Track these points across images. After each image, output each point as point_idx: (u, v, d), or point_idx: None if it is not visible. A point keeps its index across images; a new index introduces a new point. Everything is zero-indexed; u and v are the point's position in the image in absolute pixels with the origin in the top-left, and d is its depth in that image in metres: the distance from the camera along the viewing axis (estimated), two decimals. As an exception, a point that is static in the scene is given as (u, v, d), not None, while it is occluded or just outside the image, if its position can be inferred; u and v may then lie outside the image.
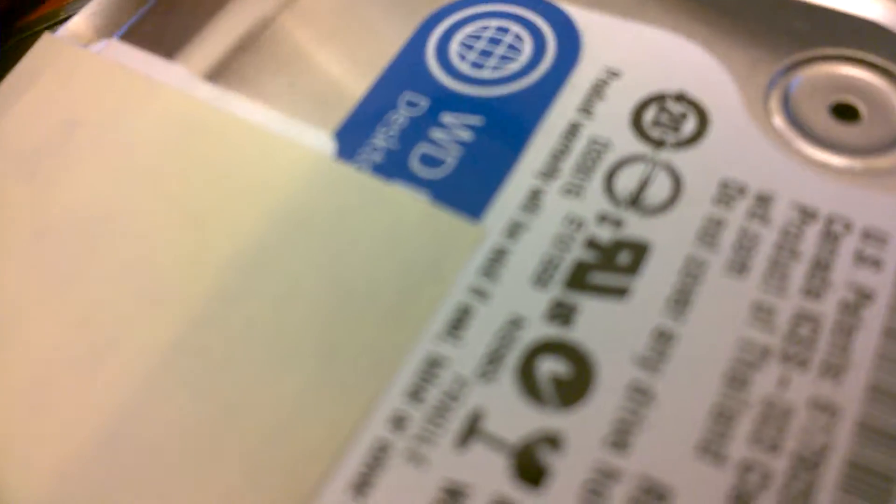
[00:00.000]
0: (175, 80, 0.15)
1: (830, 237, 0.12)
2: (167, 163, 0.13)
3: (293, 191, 0.13)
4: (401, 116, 0.14)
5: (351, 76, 0.15)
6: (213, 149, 0.14)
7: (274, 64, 0.15)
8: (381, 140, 0.14)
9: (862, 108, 0.13)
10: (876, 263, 0.12)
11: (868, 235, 0.12)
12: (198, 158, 0.13)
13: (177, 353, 0.11)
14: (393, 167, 0.13)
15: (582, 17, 0.15)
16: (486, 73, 0.14)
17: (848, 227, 0.12)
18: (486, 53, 0.15)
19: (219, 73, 0.15)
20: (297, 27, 0.15)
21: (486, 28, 0.15)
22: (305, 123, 0.14)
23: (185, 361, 0.11)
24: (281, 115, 0.14)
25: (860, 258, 0.12)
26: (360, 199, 0.13)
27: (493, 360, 0.11)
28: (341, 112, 0.14)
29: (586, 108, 0.14)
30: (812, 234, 0.12)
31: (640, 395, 0.11)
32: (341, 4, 0.16)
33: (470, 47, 0.15)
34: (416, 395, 0.11)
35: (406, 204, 0.13)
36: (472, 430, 0.11)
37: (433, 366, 0.11)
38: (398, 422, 0.11)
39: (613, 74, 0.14)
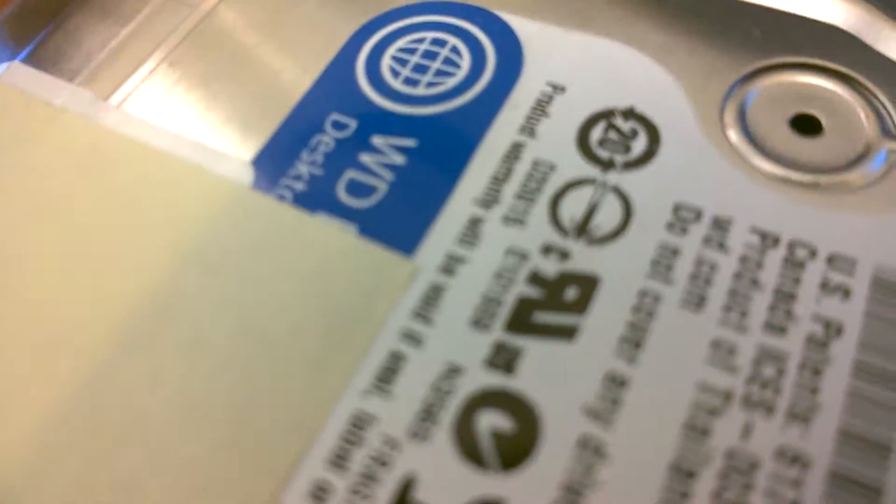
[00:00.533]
0: (79, 104, 0.13)
1: (794, 264, 0.11)
2: (67, 196, 0.12)
3: (205, 225, 0.12)
4: (326, 140, 0.13)
5: (271, 96, 0.13)
6: (117, 180, 0.12)
7: (186, 85, 0.14)
8: (305, 166, 0.12)
9: (824, 119, 0.12)
10: (844, 292, 0.11)
11: (834, 261, 0.11)
12: (100, 191, 0.12)
13: (68, 413, 0.10)
14: (317, 196, 0.12)
15: (523, 28, 0.14)
16: (420, 90, 0.13)
17: (812, 252, 0.11)
18: (420, 68, 0.13)
19: (127, 96, 0.13)
20: (212, 44, 0.14)
21: (420, 41, 0.14)
22: (220, 149, 0.13)
23: (77, 423, 0.10)
24: (193, 140, 0.13)
25: (826, 287, 0.11)
26: (279, 233, 0.11)
27: (427, 416, 0.10)
28: (260, 136, 0.13)
29: (529, 127, 0.12)
30: (774, 261, 0.11)
31: (591, 453, 0.10)
32: (262, 19, 0.14)
33: (403, 62, 0.14)
34: (339, 461, 0.10)
35: (331, 237, 0.11)
36: (402, 501, 0.09)
37: (359, 425, 0.10)
38: (318, 493, 0.09)
39: (558, 89, 0.13)
